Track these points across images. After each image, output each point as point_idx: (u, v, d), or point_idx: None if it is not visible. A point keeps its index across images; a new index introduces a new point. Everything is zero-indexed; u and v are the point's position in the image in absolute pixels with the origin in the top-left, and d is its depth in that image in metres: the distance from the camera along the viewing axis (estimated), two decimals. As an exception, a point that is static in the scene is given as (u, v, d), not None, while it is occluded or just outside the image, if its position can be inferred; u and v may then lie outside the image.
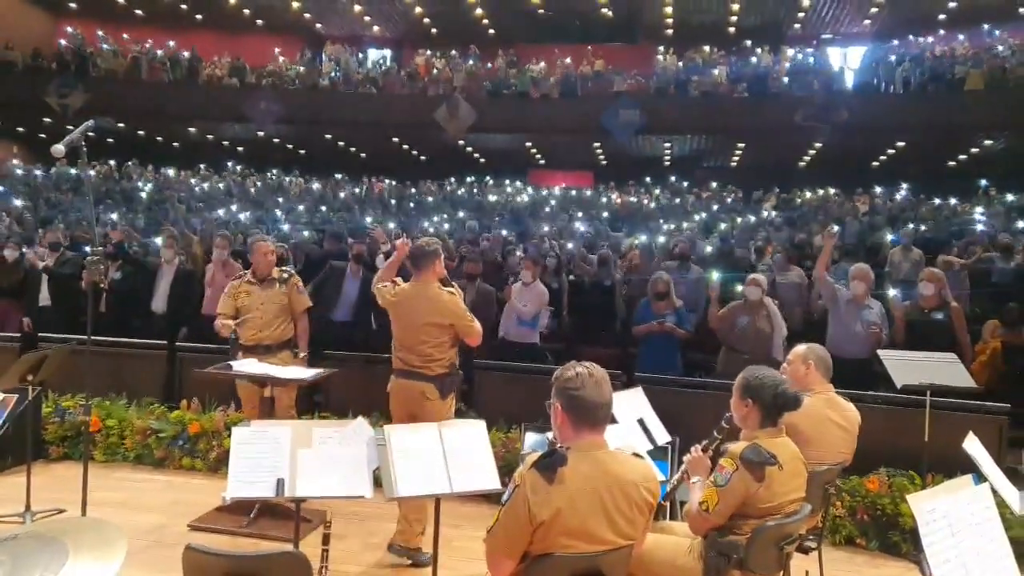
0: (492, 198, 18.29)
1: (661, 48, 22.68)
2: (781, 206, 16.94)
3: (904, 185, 19.12)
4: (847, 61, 21.07)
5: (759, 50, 21.08)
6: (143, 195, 16.97)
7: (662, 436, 4.08)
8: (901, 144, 19.73)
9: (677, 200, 18.24)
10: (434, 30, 24.62)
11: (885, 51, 19.84)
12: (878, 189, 19.10)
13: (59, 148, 3.64)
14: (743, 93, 19.04)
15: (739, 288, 6.60)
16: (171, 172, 21.33)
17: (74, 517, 4.05)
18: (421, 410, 4.26)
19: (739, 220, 14.20)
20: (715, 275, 6.49)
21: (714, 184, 20.84)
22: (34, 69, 20.99)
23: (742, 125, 18.94)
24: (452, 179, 21.94)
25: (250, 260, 5.47)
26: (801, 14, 22.53)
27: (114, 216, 12.94)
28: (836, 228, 7.21)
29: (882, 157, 21.43)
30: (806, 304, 7.75)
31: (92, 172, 18.14)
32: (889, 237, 10.94)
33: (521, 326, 6.84)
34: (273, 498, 3.39)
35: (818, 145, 19.13)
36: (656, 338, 6.45)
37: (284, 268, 5.52)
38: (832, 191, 18.56)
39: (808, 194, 18.82)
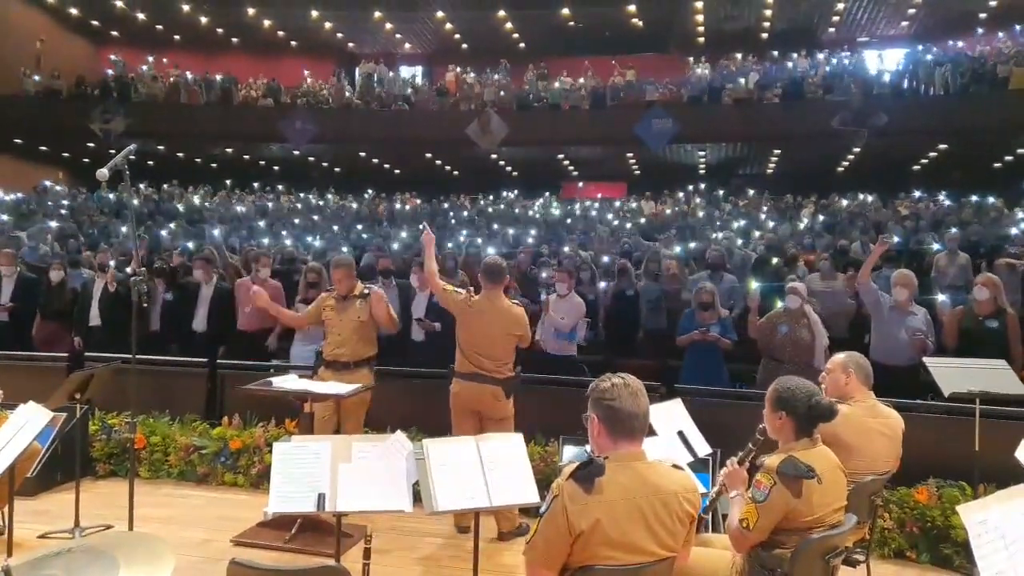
0: (521, 211, 18.26)
1: (693, 57, 22.57)
2: (820, 212, 16.69)
3: (944, 191, 18.75)
4: (884, 64, 20.77)
5: (795, 55, 20.88)
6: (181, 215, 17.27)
7: (703, 448, 4.03)
8: (943, 147, 19.36)
9: (714, 209, 18.06)
10: (464, 46, 24.84)
11: (924, 53, 19.50)
12: (917, 193, 18.75)
13: (103, 172, 3.75)
14: (777, 99, 18.85)
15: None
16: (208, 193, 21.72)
17: (124, 532, 4.12)
18: (490, 408, 4.74)
19: (780, 227, 14.03)
20: (754, 284, 6.41)
21: (751, 192, 20.61)
22: (78, 96, 21.56)
23: (777, 132, 18.74)
24: (487, 194, 22.00)
25: (332, 280, 5.54)
26: (836, 18, 22.28)
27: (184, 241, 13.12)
28: (895, 239, 7.06)
29: (923, 161, 21.05)
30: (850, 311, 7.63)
31: (136, 200, 18.51)
32: (935, 246, 10.66)
33: (559, 338, 6.83)
34: (314, 513, 3.43)
35: (856, 150, 18.85)
36: (701, 349, 6.39)
37: (368, 285, 5.57)
38: (872, 197, 18.22)
39: (845, 201, 18.50)
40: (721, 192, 20.79)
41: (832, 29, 23.13)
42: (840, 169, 22.02)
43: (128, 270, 7.34)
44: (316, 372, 5.34)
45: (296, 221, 16.74)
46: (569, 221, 16.37)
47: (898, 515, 4.74)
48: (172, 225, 15.41)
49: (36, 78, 21.72)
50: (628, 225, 15.09)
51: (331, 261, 5.84)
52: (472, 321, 4.78)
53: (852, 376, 3.79)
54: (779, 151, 21.57)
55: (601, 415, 2.50)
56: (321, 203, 20.79)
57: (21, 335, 7.87)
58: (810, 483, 2.79)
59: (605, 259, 9.92)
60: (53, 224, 14.84)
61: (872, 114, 16.22)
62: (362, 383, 5.09)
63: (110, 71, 23.26)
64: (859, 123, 16.18)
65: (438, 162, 23.87)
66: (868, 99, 17.25)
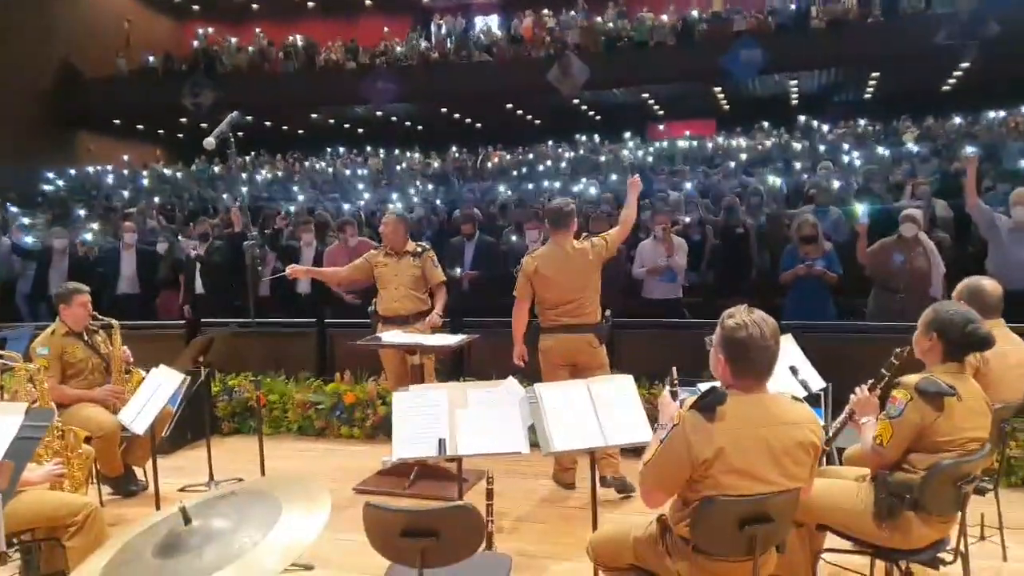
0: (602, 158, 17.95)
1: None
2: (924, 135, 15.75)
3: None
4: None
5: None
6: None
7: (816, 383, 3.94)
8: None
9: (810, 139, 17.34)
10: (540, -11, 24.31)
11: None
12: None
13: (210, 141, 3.90)
14: (875, 18, 17.74)
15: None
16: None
17: (283, 475, 4.33)
18: (587, 358, 4.61)
19: (882, 154, 13.37)
20: (861, 208, 6.13)
21: (849, 120, 19.60)
22: (167, 73, 22.25)
23: (875, 53, 17.66)
24: (570, 141, 21.69)
25: (381, 234, 5.65)
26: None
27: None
28: (972, 150, 6.68)
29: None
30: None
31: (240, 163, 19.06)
32: None
33: (663, 281, 6.77)
34: (431, 458, 3.54)
35: (965, 65, 17.61)
36: (805, 284, 6.19)
37: (420, 243, 5.65)
38: (984, 113, 17.01)
39: (959, 120, 17.32)
40: (816, 122, 19.86)
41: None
42: (946, 88, 20.70)
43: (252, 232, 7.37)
44: (374, 329, 5.38)
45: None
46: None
47: (1027, 443, 4.57)
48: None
49: (122, 58, 22.46)
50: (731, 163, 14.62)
51: (385, 215, 5.89)
52: (546, 274, 4.65)
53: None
54: (877, 74, 20.40)
55: (728, 355, 2.43)
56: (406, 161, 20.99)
57: (143, 305, 8.36)
58: (951, 400, 2.71)
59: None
60: (156, 200, 15.58)
61: (982, 23, 14.87)
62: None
63: (195, 43, 23.86)
64: (967, 35, 14.90)
65: (519, 112, 23.68)
66: (977, 7, 15.88)
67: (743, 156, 15.61)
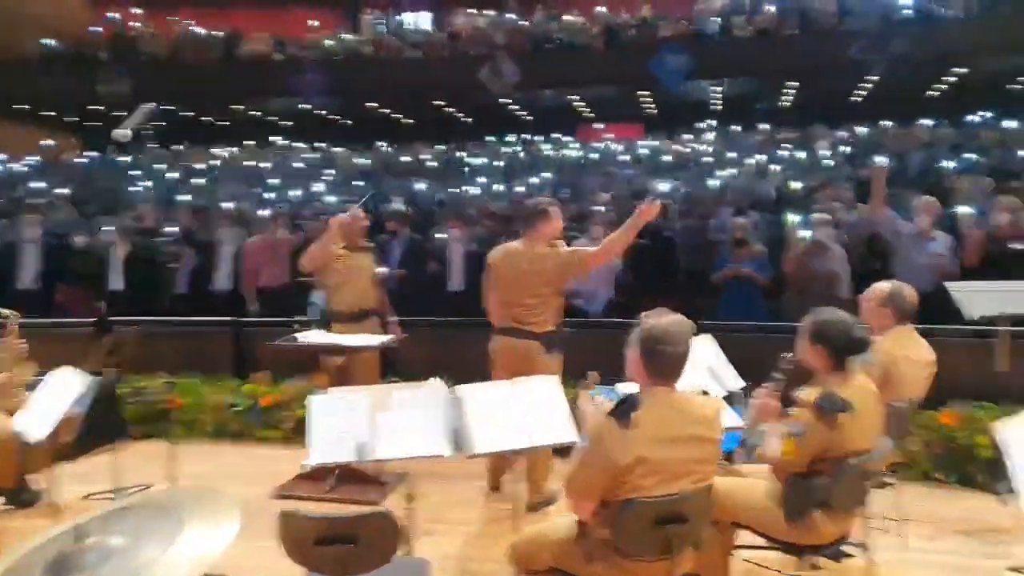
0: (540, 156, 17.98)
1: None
2: (837, 143, 16.36)
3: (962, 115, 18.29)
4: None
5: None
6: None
7: (734, 382, 4.04)
8: (964, 71, 18.85)
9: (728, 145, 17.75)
10: (471, -12, 24.24)
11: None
12: (929, 122, 18.29)
13: (125, 132, 3.73)
14: (791, 31, 18.38)
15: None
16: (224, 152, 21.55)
17: (188, 488, 4.18)
18: (527, 366, 4.24)
19: (798, 160, 13.82)
20: (797, 218, 6.37)
21: (767, 126, 20.22)
22: (80, 58, 21.24)
23: (794, 63, 18.30)
24: (500, 140, 21.69)
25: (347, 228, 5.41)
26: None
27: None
28: (882, 161, 7.01)
29: (942, 86, 20.55)
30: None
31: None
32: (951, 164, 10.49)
33: (581, 304, 6.87)
34: (353, 462, 3.46)
35: (874, 78, 18.39)
36: (736, 286, 6.39)
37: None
38: (890, 124, 17.84)
39: (864, 129, 18.10)
40: (737, 128, 20.39)
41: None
42: (857, 99, 21.56)
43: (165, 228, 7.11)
44: (327, 327, 5.20)
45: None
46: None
47: (924, 438, 4.80)
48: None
49: (39, 41, 21.38)
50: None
51: (351, 210, 5.78)
52: (499, 273, 4.52)
53: (891, 312, 3.77)
54: (795, 83, 21.12)
55: (644, 353, 2.52)
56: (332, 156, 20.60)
57: (48, 301, 7.97)
58: (844, 417, 2.79)
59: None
60: (65, 191, 14.84)
61: (891, 41, 15.61)
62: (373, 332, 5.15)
63: (98, 28, 22.79)
64: (878, 51, 15.59)
65: (449, 109, 23.58)
66: (887, 25, 16.65)
67: (668, 159, 15.88)
